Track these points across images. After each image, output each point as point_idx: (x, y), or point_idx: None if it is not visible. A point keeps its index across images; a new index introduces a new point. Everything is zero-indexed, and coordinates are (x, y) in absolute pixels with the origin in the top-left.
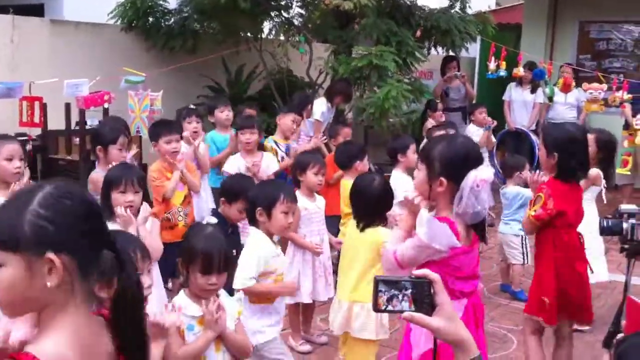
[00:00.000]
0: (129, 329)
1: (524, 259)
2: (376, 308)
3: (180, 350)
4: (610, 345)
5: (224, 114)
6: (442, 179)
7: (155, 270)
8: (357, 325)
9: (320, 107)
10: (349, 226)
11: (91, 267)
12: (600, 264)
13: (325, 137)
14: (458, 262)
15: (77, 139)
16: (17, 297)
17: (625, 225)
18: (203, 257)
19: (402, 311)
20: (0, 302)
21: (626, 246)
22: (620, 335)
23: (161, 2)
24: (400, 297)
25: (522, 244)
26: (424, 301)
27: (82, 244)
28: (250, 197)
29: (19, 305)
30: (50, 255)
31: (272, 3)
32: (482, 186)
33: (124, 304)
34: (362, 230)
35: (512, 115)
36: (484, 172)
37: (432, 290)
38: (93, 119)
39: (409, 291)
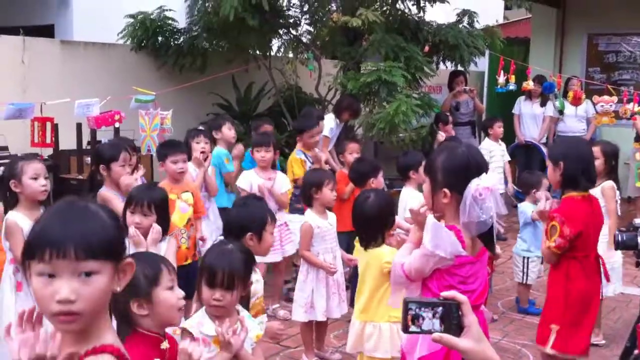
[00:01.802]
0: None
1: (523, 278)
2: (406, 329)
3: None
4: None
5: (232, 131)
6: (446, 190)
7: None
8: (370, 346)
9: (329, 123)
10: (356, 245)
11: None
12: (618, 277)
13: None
14: (465, 272)
15: (89, 159)
16: (102, 304)
17: None
18: (208, 270)
19: (431, 332)
20: (85, 313)
21: None
22: (637, 352)
23: (170, 22)
24: (429, 318)
25: (524, 264)
26: (453, 322)
27: None
28: (238, 224)
29: (97, 315)
30: (130, 259)
31: (281, 21)
32: (485, 195)
33: None
34: (365, 249)
35: (522, 128)
36: (487, 180)
37: (460, 312)
38: (104, 139)
39: (438, 312)
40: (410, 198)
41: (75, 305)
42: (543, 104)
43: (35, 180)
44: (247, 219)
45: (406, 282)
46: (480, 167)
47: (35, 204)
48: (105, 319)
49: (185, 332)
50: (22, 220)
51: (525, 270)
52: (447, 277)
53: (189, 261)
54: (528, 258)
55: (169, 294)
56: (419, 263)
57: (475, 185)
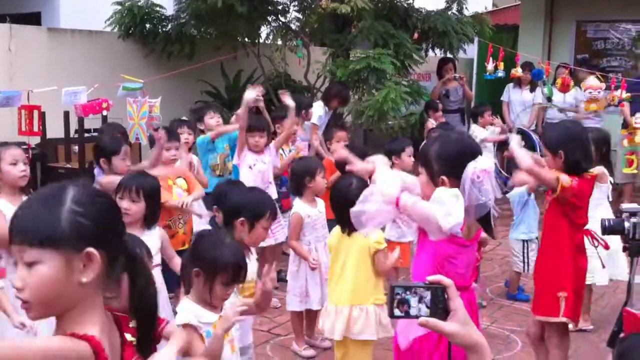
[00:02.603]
0: (145, 322)
1: (523, 267)
2: (392, 314)
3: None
4: (614, 345)
5: (214, 120)
6: (444, 177)
7: (159, 278)
8: (357, 329)
9: (318, 111)
10: (333, 231)
11: (117, 264)
12: (620, 262)
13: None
14: (453, 250)
15: (76, 147)
16: (51, 295)
17: (627, 224)
18: (233, 270)
19: (417, 316)
20: (32, 301)
21: (628, 245)
22: (622, 335)
23: (158, 9)
24: (415, 302)
25: (524, 252)
26: (439, 306)
27: (113, 241)
28: (234, 204)
29: (52, 305)
30: (91, 249)
31: (269, 8)
32: (483, 177)
33: (141, 298)
34: (348, 234)
35: (511, 116)
36: (483, 163)
37: (446, 296)
38: (93, 127)
39: (424, 297)
40: None
41: (23, 293)
42: (532, 91)
43: (14, 166)
44: (245, 203)
45: (393, 206)
46: (474, 150)
47: (16, 190)
48: (84, 314)
49: (188, 327)
50: (4, 206)
51: (525, 259)
52: (439, 252)
53: (187, 246)
54: (528, 242)
55: None
56: (416, 214)
57: (473, 168)
